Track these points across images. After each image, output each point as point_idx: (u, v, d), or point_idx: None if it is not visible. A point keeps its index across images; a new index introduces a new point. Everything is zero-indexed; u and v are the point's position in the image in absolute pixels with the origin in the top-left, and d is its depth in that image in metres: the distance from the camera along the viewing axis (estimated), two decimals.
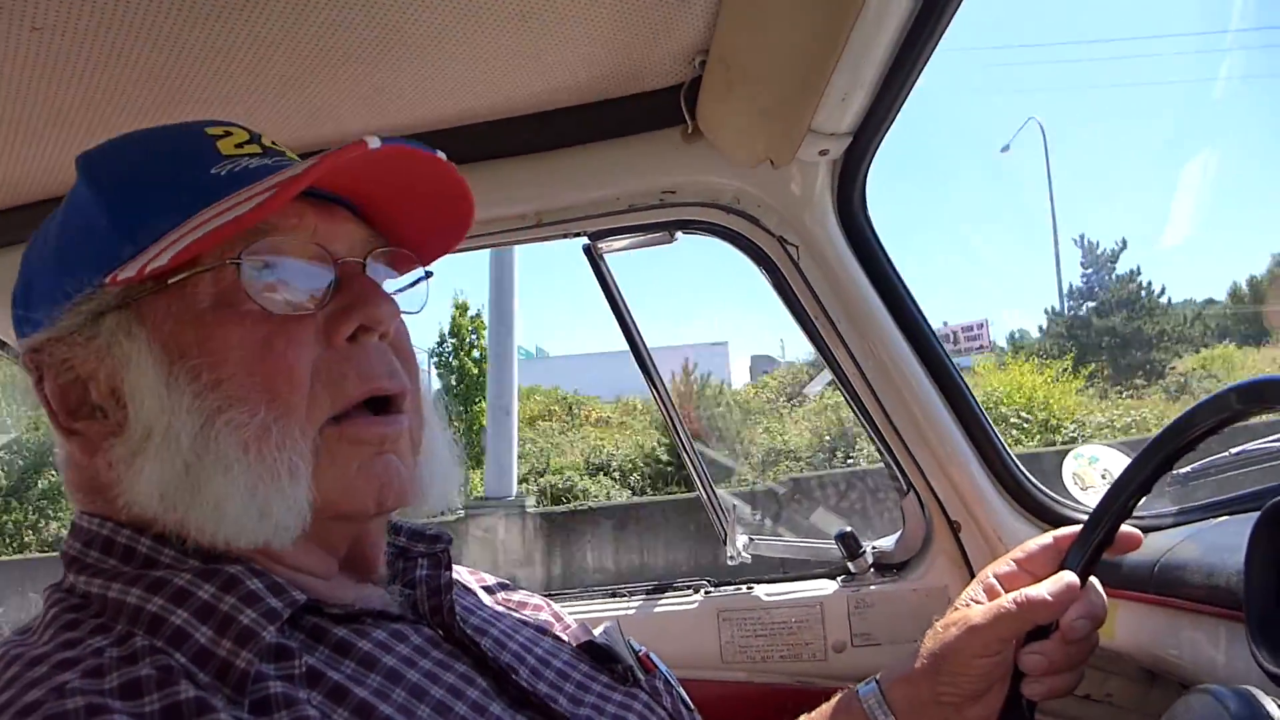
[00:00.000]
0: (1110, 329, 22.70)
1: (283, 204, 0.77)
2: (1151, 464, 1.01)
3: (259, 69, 1.30)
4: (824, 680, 1.81)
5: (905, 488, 1.78)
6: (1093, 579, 1.03)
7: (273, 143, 0.93)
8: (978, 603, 1.06)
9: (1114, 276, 24.42)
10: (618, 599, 1.95)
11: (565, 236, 1.73)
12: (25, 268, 0.90)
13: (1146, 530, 1.17)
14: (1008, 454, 1.68)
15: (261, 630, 0.74)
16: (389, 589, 0.94)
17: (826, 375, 1.79)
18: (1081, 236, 25.28)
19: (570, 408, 21.34)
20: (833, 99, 1.27)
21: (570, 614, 1.15)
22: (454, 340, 17.10)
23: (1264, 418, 0.98)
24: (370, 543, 0.93)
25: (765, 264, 1.69)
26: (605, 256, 1.76)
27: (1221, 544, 1.17)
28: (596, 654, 1.04)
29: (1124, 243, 24.75)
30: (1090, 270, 25.01)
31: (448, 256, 1.01)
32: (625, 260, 1.80)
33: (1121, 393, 19.77)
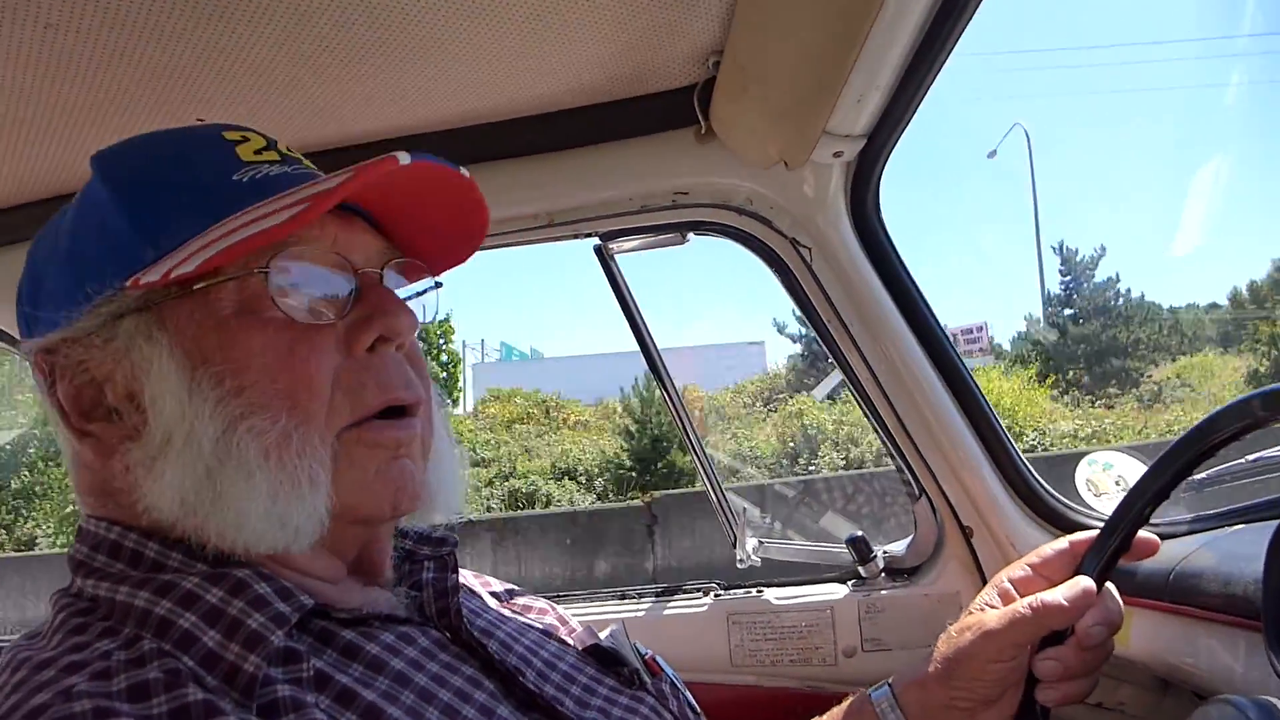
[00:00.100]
0: (1085, 336, 22.80)
1: (316, 218, 0.77)
2: (1171, 470, 1.00)
3: (264, 69, 1.30)
4: (834, 685, 1.80)
5: (917, 492, 1.77)
6: (1109, 585, 1.02)
7: (288, 148, 0.93)
8: (992, 607, 1.05)
9: (1092, 284, 24.58)
10: (626, 601, 1.95)
11: (576, 237, 1.72)
12: (34, 265, 0.90)
13: (1162, 537, 1.15)
14: (1020, 459, 1.67)
15: (270, 634, 0.74)
16: (395, 591, 0.94)
17: (836, 376, 1.79)
18: (1060, 243, 25.45)
19: (548, 411, 21.44)
20: (848, 101, 1.26)
21: (578, 616, 1.15)
22: (422, 344, 17.26)
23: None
24: (379, 547, 0.93)
25: (778, 266, 1.69)
26: (616, 257, 1.76)
27: (1239, 552, 1.16)
28: (602, 657, 1.04)
29: (1103, 249, 24.94)
30: (1069, 277, 25.15)
31: None
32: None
33: (1095, 401, 19.84)
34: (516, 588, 1.18)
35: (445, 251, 0.97)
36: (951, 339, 1.68)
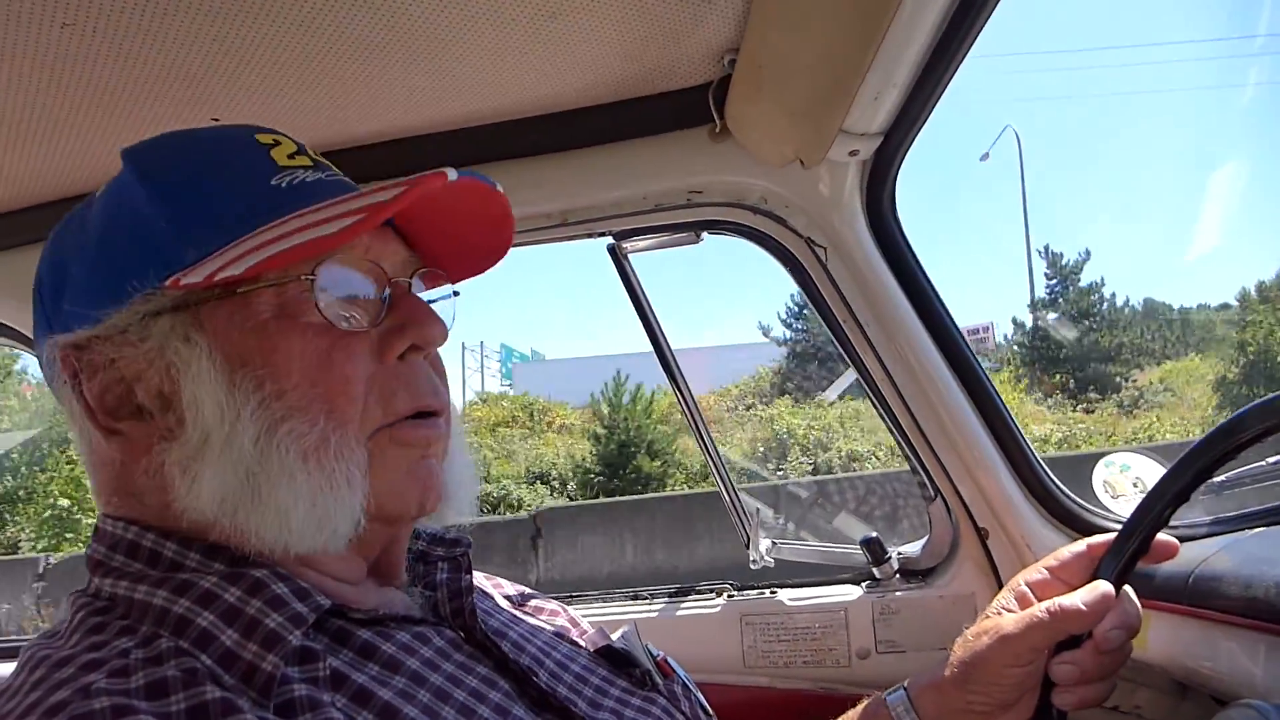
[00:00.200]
0: (1069, 340, 22.80)
1: (369, 229, 0.79)
2: (1191, 471, 0.99)
3: (274, 69, 1.31)
4: (847, 687, 1.79)
5: (932, 493, 1.76)
6: (1127, 588, 1.01)
7: (316, 154, 0.93)
8: (1010, 611, 1.04)
9: (1078, 288, 24.72)
10: (639, 601, 1.94)
11: (590, 236, 1.72)
12: (56, 259, 0.89)
13: (1181, 540, 1.14)
14: (1036, 460, 1.66)
15: (287, 634, 0.74)
16: (409, 592, 0.94)
17: (849, 377, 1.78)
18: (1046, 247, 25.72)
19: (533, 414, 21.51)
20: (865, 99, 1.25)
21: (591, 617, 1.15)
22: None
23: None
24: (399, 547, 0.93)
25: (792, 265, 1.68)
26: (630, 257, 1.75)
27: (1259, 555, 1.15)
28: (614, 658, 1.04)
29: (1087, 253, 25.22)
30: (1055, 281, 25.31)
31: None
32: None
33: (1075, 405, 19.82)
34: (529, 590, 1.18)
35: (466, 261, 0.98)
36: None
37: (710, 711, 1.09)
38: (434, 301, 0.96)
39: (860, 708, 1.15)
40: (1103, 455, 1.69)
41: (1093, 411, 19.82)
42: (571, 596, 1.94)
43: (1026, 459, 1.66)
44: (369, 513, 0.81)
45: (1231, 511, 1.39)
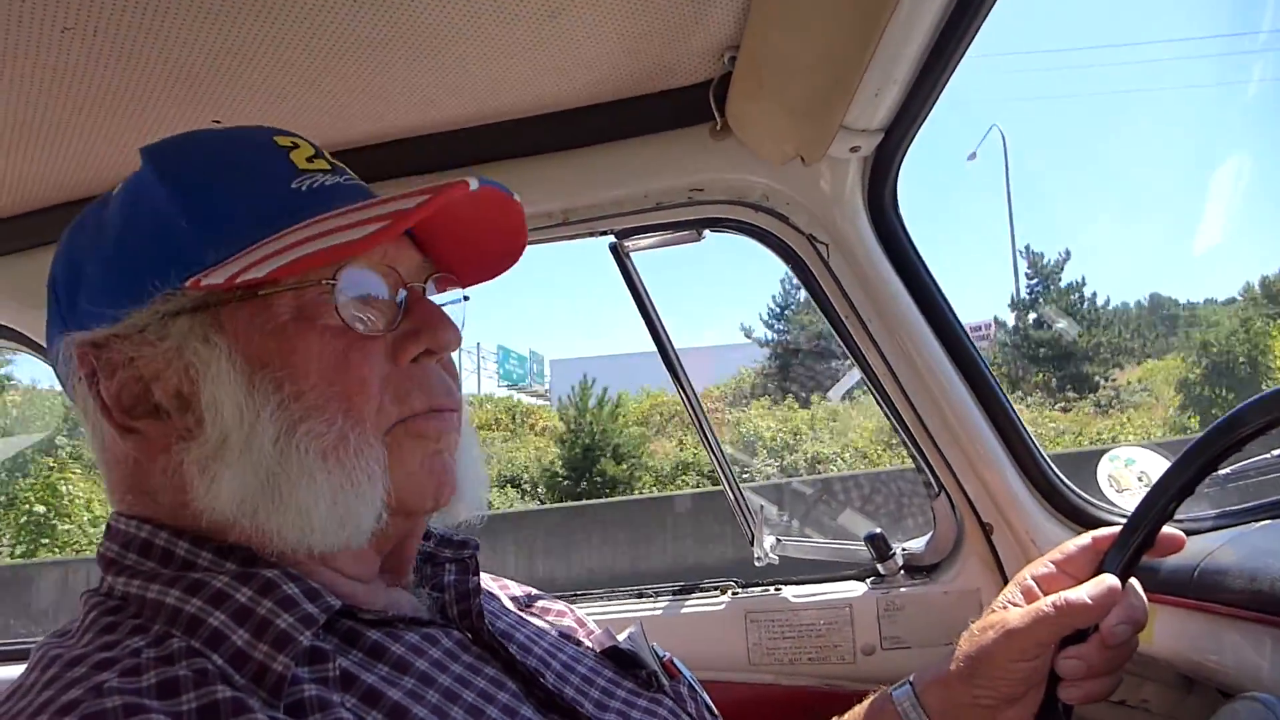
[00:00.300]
0: (1047, 340, 23.00)
1: (393, 237, 0.80)
2: (1196, 465, 0.99)
3: (276, 69, 1.31)
4: (853, 683, 1.79)
5: (936, 489, 1.76)
6: (1133, 582, 1.01)
7: (333, 157, 0.94)
8: (1015, 605, 1.04)
9: (1058, 287, 24.95)
10: (644, 600, 1.94)
11: (592, 235, 1.72)
12: (72, 257, 0.89)
13: (1186, 534, 1.14)
14: (1041, 455, 1.66)
15: (298, 635, 0.75)
16: (417, 593, 0.94)
17: (854, 376, 1.78)
18: (1027, 247, 25.92)
19: (515, 416, 21.59)
20: (866, 95, 1.25)
21: (597, 615, 1.15)
22: None
23: None
24: (412, 544, 0.94)
25: (794, 262, 1.68)
26: (632, 255, 1.75)
27: (1265, 548, 1.15)
28: (620, 659, 1.04)
29: (1067, 253, 25.31)
30: (1035, 280, 25.56)
31: None
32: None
33: (1054, 404, 19.89)
34: (535, 590, 1.19)
35: (478, 267, 0.98)
36: None
37: (716, 712, 1.09)
38: (445, 306, 0.97)
39: (866, 703, 1.15)
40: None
41: (1069, 410, 19.91)
42: (576, 595, 1.95)
43: (1031, 454, 1.66)
44: (390, 506, 0.82)
45: (1236, 505, 1.39)
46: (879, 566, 1.83)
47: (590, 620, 1.15)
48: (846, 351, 1.73)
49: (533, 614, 1.11)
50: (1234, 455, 1.00)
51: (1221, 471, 1.39)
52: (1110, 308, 24.73)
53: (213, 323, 0.81)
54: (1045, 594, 1.03)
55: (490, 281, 1.01)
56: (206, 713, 0.67)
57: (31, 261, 1.74)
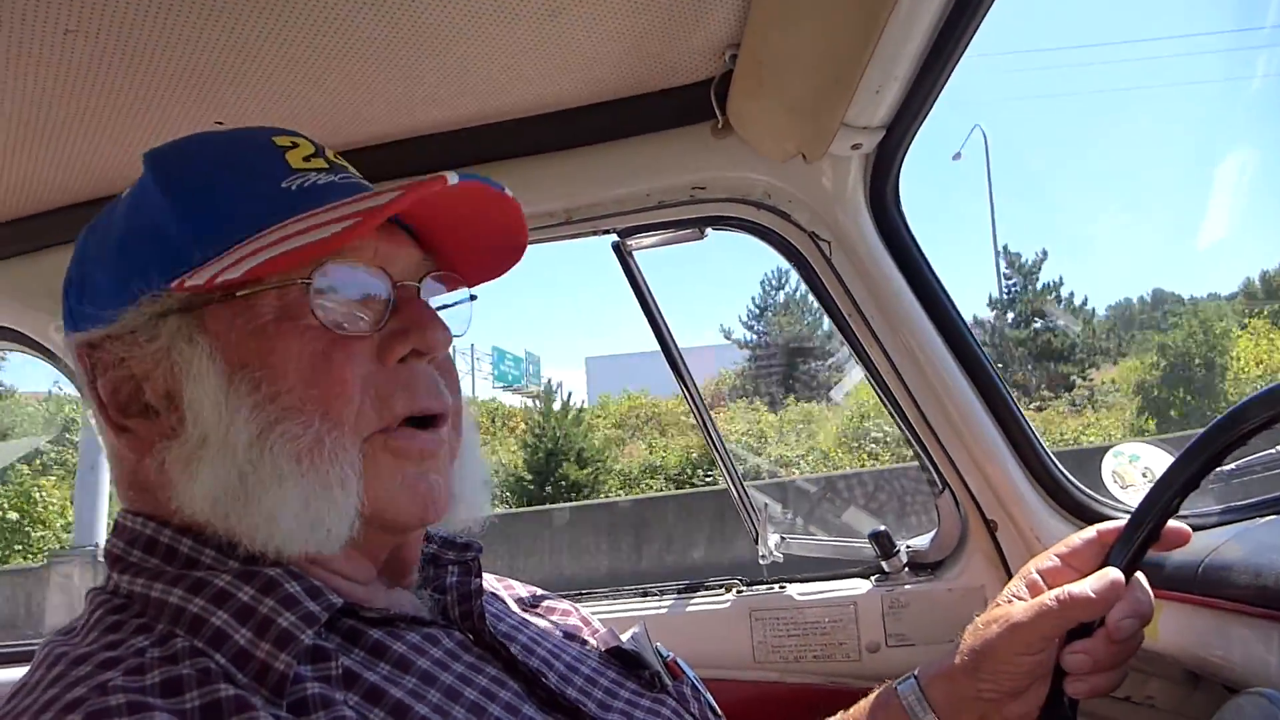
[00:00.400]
0: (1022, 340, 23.21)
1: (365, 234, 0.79)
2: (1200, 459, 0.98)
3: (278, 70, 1.31)
4: (858, 681, 1.79)
5: (940, 486, 1.76)
6: (1139, 575, 1.01)
7: (335, 156, 0.94)
8: (1020, 599, 1.04)
9: (1036, 287, 25.25)
10: (649, 598, 1.94)
11: (595, 234, 1.72)
12: (82, 260, 0.91)
13: (1191, 529, 1.14)
14: (1045, 451, 1.66)
15: (300, 633, 0.75)
16: (418, 594, 0.95)
17: (857, 375, 1.78)
18: (1005, 247, 26.26)
19: (493, 419, 21.70)
20: (866, 92, 1.25)
21: (601, 614, 1.15)
22: None
23: None
24: (409, 550, 0.94)
25: (797, 260, 1.68)
26: (634, 254, 1.75)
27: (1270, 543, 1.15)
28: (624, 659, 1.04)
29: (1044, 253, 25.82)
30: (1013, 280, 25.85)
31: None
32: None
33: (1029, 403, 20.06)
34: (540, 591, 1.19)
35: (483, 265, 0.98)
36: None
37: (719, 713, 1.09)
38: (451, 305, 0.97)
39: (871, 697, 1.15)
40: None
41: (1044, 409, 19.98)
42: (580, 594, 1.95)
43: (1034, 450, 1.65)
44: (365, 517, 0.81)
45: (1241, 500, 1.39)
46: (883, 564, 1.83)
47: (595, 620, 1.15)
48: (850, 349, 1.73)
49: (538, 614, 1.11)
50: (1238, 450, 0.99)
51: (1226, 467, 1.39)
52: (1088, 306, 25.20)
53: (198, 323, 0.82)
54: (1050, 588, 1.03)
55: (489, 281, 1.01)
56: (209, 711, 0.68)
57: (36, 264, 1.74)
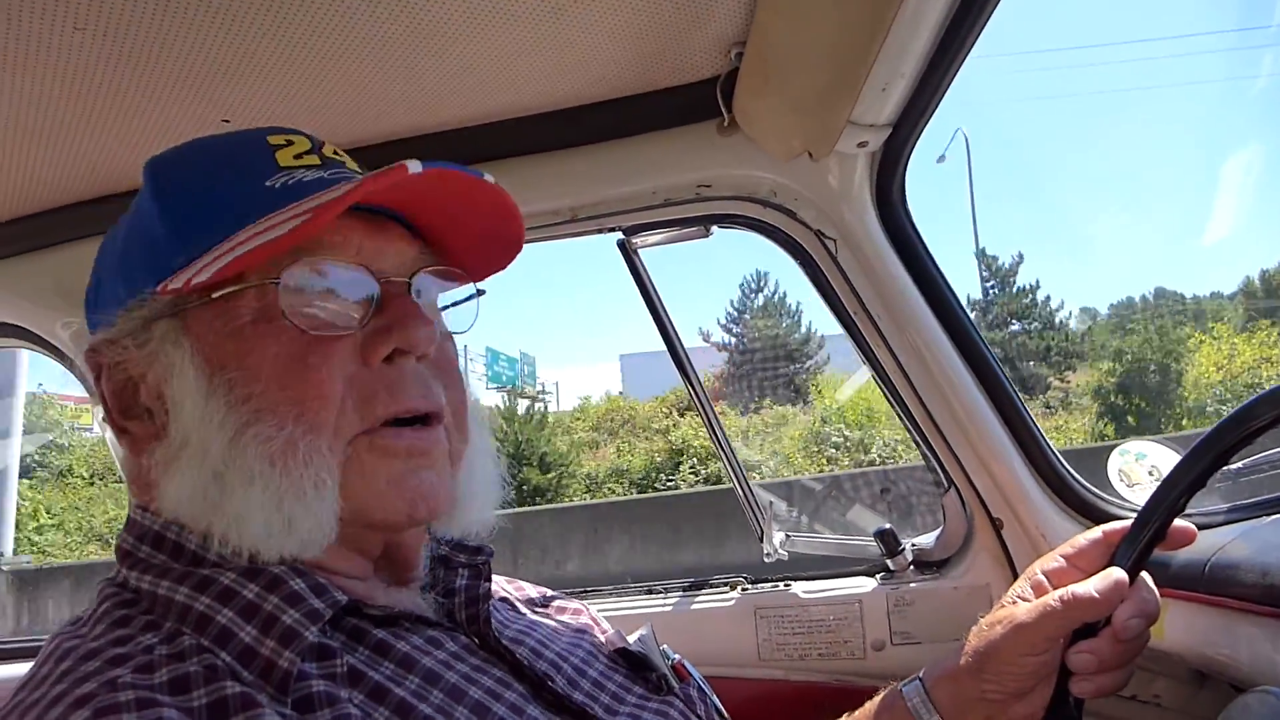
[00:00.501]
0: (997, 341, 23.67)
1: (320, 227, 0.77)
2: (1207, 458, 0.98)
3: (282, 69, 1.31)
4: (862, 679, 1.79)
5: (946, 484, 1.76)
6: (1144, 575, 1.00)
7: (335, 152, 0.93)
8: (1025, 599, 1.04)
9: (1012, 289, 25.57)
10: (654, 596, 1.94)
11: (600, 232, 1.72)
12: (96, 267, 0.94)
13: (1197, 528, 1.14)
14: (1051, 450, 1.65)
15: (304, 631, 0.75)
16: (424, 596, 0.94)
17: (862, 376, 1.78)
18: (982, 250, 26.47)
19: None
20: (873, 90, 1.25)
21: (607, 612, 1.15)
22: None
23: None
24: (407, 548, 0.93)
25: (802, 258, 1.68)
26: (640, 252, 1.75)
27: (1277, 542, 1.15)
28: (631, 662, 1.04)
29: (1020, 256, 26.68)
30: (991, 283, 26.16)
31: None
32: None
33: None
34: (551, 591, 1.19)
35: (485, 258, 0.97)
36: None
37: (725, 714, 1.09)
38: (456, 304, 0.96)
39: (876, 700, 1.15)
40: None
41: None
42: (586, 592, 1.95)
43: (1040, 449, 1.65)
44: (347, 518, 0.80)
45: (1248, 499, 1.38)
46: (889, 562, 1.83)
47: (604, 620, 1.15)
48: (855, 347, 1.72)
49: (548, 615, 1.11)
50: (1245, 449, 0.99)
51: (1232, 466, 1.39)
52: (1064, 309, 25.43)
53: (182, 326, 0.83)
54: (1055, 588, 1.03)
55: (492, 275, 1.00)
56: (216, 708, 0.68)
57: (42, 262, 1.74)
